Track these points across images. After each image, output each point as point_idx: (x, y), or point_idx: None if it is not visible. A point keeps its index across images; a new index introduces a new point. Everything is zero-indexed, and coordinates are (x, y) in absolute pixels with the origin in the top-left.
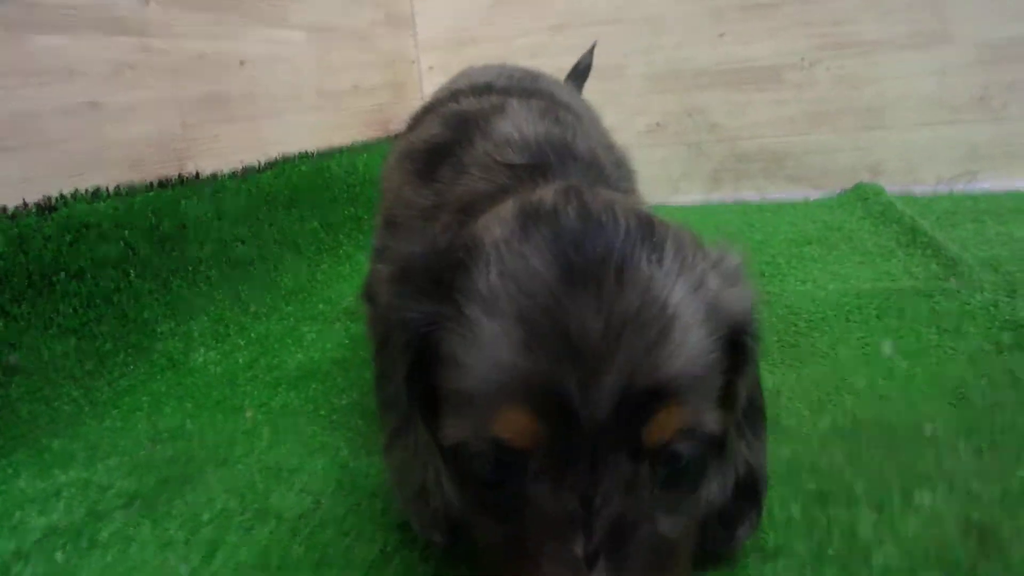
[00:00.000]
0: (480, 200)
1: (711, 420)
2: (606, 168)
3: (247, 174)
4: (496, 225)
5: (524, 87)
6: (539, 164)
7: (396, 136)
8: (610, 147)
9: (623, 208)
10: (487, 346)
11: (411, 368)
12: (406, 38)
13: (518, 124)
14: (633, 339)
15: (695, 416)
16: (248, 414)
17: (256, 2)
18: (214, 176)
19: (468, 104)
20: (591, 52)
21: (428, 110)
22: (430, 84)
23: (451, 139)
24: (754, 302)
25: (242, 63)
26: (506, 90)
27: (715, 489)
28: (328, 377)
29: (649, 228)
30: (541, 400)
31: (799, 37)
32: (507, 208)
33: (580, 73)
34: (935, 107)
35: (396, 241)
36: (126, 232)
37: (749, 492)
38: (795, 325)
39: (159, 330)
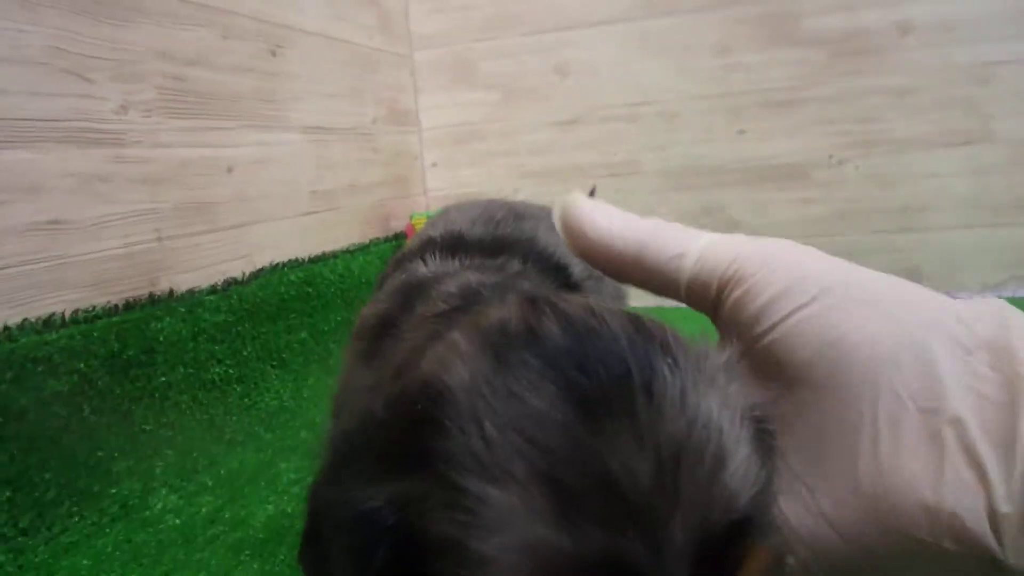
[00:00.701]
0: (410, 357)
1: (781, 537)
2: None
3: (229, 287)
4: (456, 363)
5: (500, 236)
6: (471, 300)
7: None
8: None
9: (604, 308)
10: (507, 525)
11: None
12: (410, 134)
13: (461, 281)
14: (695, 469)
15: (777, 538)
16: None
17: (252, 106)
18: (191, 292)
19: (429, 268)
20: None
21: (399, 263)
22: (434, 179)
23: (395, 311)
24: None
25: (230, 169)
26: (478, 243)
27: None
28: (299, 542)
29: (642, 326)
30: None
31: (822, 135)
32: (458, 340)
33: None
34: (974, 208)
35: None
36: (81, 363)
37: None
38: None
39: (115, 470)
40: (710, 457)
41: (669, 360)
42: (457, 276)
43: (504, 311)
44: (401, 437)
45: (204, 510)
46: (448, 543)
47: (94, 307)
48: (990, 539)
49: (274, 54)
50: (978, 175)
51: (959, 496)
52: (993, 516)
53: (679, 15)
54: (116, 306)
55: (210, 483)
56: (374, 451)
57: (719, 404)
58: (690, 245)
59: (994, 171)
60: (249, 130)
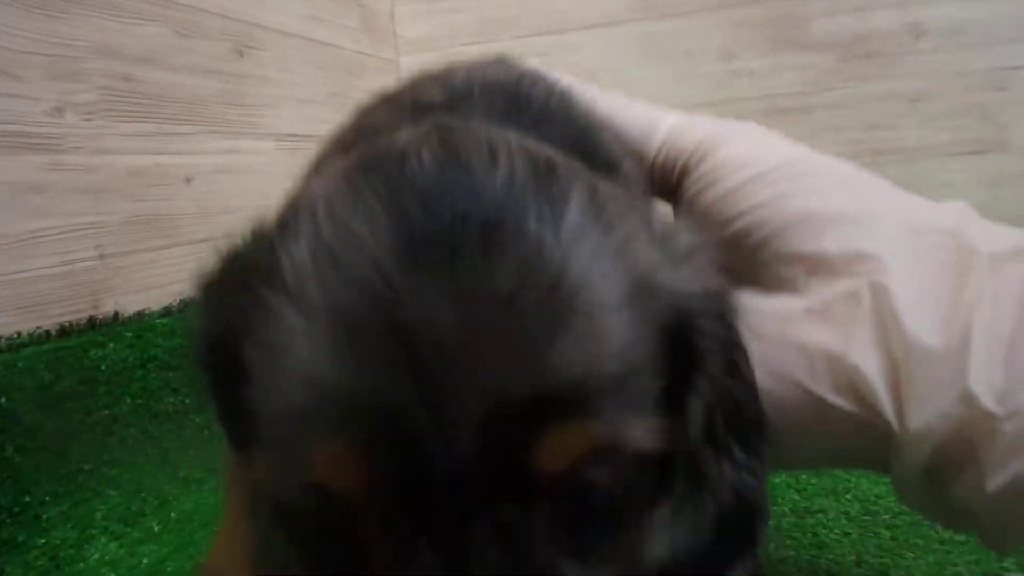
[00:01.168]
0: (366, 133)
1: (642, 433)
2: (590, 134)
3: (185, 308)
4: (325, 180)
5: None
6: (455, 102)
7: None
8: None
9: (514, 149)
10: (291, 354)
11: (216, 392)
12: None
13: (473, 72)
14: (508, 331)
15: (613, 430)
16: None
17: (215, 111)
18: (139, 315)
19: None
20: None
21: None
22: None
23: (406, 91)
24: (715, 289)
25: (189, 179)
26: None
27: (681, 532)
28: None
29: (548, 173)
30: (371, 431)
31: (830, 143)
32: (346, 159)
33: None
34: (988, 221)
35: None
36: (3, 398)
37: (739, 528)
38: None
39: (46, 516)
40: (539, 319)
41: (548, 208)
42: (475, 66)
43: (402, 135)
44: (258, 253)
45: (145, 561)
46: (250, 368)
47: (19, 334)
48: (885, 404)
49: (242, 55)
50: (992, 186)
51: (864, 354)
52: (897, 382)
53: (680, 17)
54: (48, 332)
55: (157, 528)
56: (239, 262)
57: (596, 265)
58: (655, 127)
59: (1009, 182)
60: (212, 137)
